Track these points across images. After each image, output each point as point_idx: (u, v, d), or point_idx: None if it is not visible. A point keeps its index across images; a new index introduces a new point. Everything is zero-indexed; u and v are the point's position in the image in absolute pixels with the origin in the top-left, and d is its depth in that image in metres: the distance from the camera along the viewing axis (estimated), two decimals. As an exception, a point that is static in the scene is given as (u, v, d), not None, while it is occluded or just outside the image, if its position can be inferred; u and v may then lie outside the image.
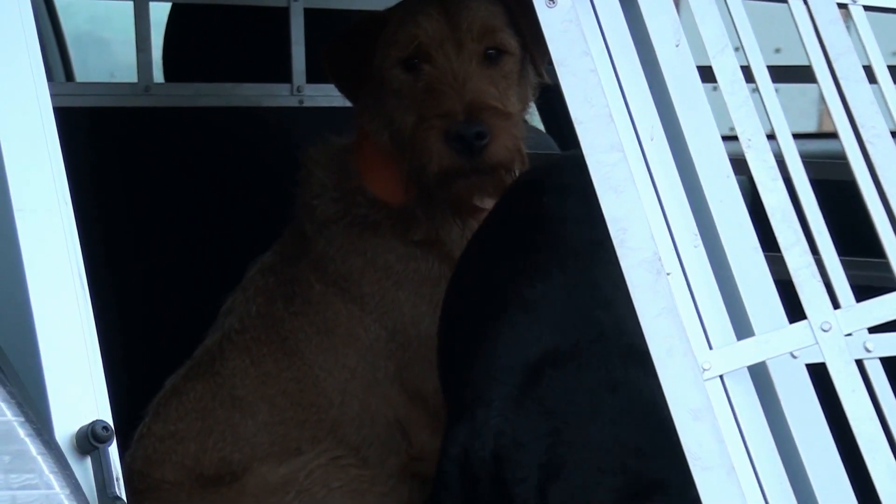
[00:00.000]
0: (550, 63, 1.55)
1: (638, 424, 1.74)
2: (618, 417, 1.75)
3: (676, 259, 1.48)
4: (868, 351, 1.47)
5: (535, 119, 3.17)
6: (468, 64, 2.34)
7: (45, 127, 1.42)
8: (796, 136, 1.54)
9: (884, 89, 1.60)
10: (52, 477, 1.26)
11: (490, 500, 1.78)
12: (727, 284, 1.48)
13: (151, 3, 2.90)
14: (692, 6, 1.56)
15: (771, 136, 1.53)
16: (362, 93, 2.48)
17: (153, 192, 2.91)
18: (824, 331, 1.45)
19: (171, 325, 2.82)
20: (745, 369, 1.45)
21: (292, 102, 3.04)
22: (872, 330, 1.48)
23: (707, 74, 1.55)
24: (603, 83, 1.52)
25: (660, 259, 1.46)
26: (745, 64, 1.56)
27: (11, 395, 1.28)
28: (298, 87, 3.03)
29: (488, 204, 2.40)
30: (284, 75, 3.03)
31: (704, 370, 1.43)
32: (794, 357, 1.46)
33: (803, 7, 1.60)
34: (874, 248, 1.53)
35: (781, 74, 2.42)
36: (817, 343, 1.45)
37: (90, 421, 1.31)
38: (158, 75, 3.00)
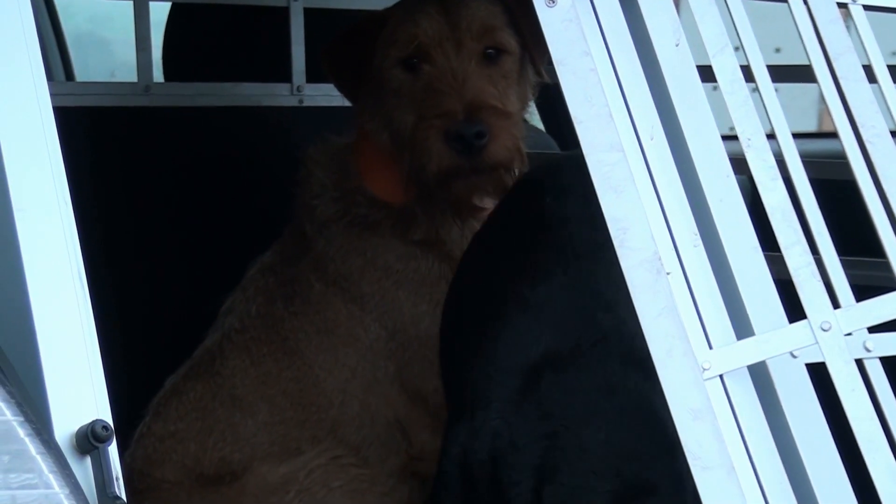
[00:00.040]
0: (550, 62, 1.55)
1: (634, 428, 1.74)
2: (614, 421, 1.75)
3: (676, 259, 1.48)
4: (868, 350, 1.47)
5: (535, 118, 3.17)
6: (468, 63, 2.34)
7: (45, 126, 1.42)
8: (796, 136, 1.54)
9: (884, 89, 1.60)
10: (51, 476, 1.26)
11: (488, 501, 1.79)
12: (727, 284, 1.48)
13: (151, 3, 2.90)
14: (692, 6, 1.56)
15: (771, 136, 1.53)
16: (362, 92, 2.47)
17: (153, 191, 2.91)
18: (824, 330, 1.45)
19: (171, 324, 2.82)
20: (745, 369, 1.45)
21: (292, 102, 3.04)
22: (872, 329, 1.48)
23: (707, 74, 1.55)
24: (603, 83, 1.52)
25: (660, 259, 1.46)
26: (745, 63, 1.56)
27: (11, 394, 1.28)
28: (298, 87, 3.03)
29: (488, 203, 2.40)
30: (284, 75, 3.03)
31: (704, 370, 1.43)
32: (794, 357, 1.46)
33: (803, 6, 1.60)
34: (874, 247, 1.53)
35: (781, 74, 2.42)
36: (817, 343, 1.45)
37: (90, 420, 1.31)
38: (158, 75, 3.00)
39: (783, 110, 1.55)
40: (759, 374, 1.46)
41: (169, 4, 3.09)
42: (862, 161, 1.54)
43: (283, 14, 3.01)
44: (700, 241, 1.48)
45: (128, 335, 2.68)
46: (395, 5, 2.45)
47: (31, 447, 1.27)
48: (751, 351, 1.45)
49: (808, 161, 1.55)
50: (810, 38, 1.59)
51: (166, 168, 2.92)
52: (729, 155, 1.52)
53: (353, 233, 2.46)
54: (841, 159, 1.57)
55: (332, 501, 2.41)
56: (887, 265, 1.51)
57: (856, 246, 1.92)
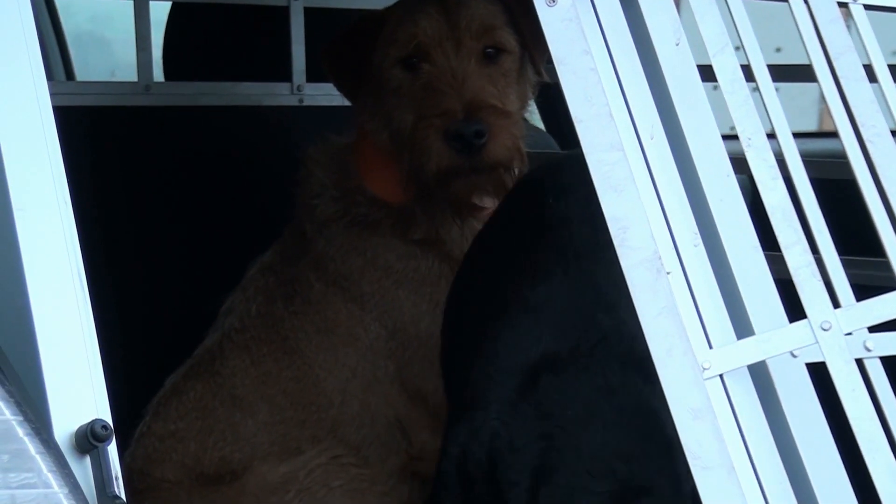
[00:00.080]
0: (550, 61, 1.55)
1: (632, 430, 1.74)
2: (612, 422, 1.75)
3: (676, 258, 1.48)
4: (868, 350, 1.47)
5: (535, 118, 3.17)
6: (467, 62, 2.34)
7: (45, 126, 1.42)
8: (796, 135, 1.54)
9: (884, 88, 1.60)
10: (50, 476, 1.26)
11: (487, 502, 1.78)
12: (727, 283, 1.48)
13: (152, 3, 2.90)
14: (692, 5, 1.56)
15: (771, 135, 1.53)
16: (362, 92, 2.47)
17: (153, 191, 2.91)
18: (824, 330, 1.45)
19: (171, 324, 2.82)
20: (745, 368, 1.45)
21: (292, 101, 3.04)
22: (872, 329, 1.48)
23: (707, 73, 1.55)
24: (603, 82, 1.51)
25: (660, 258, 1.46)
26: (746, 63, 1.56)
27: (10, 393, 1.28)
28: (298, 87, 3.03)
29: (488, 203, 2.40)
30: (284, 74, 3.03)
31: (704, 369, 1.43)
32: (794, 356, 1.46)
33: (803, 6, 1.60)
34: (874, 247, 1.53)
35: (782, 73, 2.42)
36: (817, 342, 1.45)
37: (89, 420, 1.31)
38: (159, 74, 3.00)
39: (783, 110, 1.55)
40: (759, 374, 1.46)
41: (169, 4, 3.09)
42: (862, 160, 1.54)
43: (283, 13, 3.01)
44: (700, 241, 1.48)
45: (128, 335, 2.68)
46: (395, 5, 2.45)
47: (31, 446, 1.27)
48: (751, 350, 1.45)
49: (809, 160, 1.55)
50: (811, 38, 1.59)
51: (166, 167, 2.92)
52: (729, 154, 1.52)
53: (353, 232, 2.46)
54: (841, 159, 1.57)
55: (332, 501, 2.41)
56: (887, 265, 1.51)
57: (856, 245, 1.92)
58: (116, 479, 1.30)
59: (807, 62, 1.59)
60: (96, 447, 1.30)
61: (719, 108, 1.54)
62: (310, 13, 3.01)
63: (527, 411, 1.78)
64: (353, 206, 2.46)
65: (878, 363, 1.47)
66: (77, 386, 1.33)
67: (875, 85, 1.59)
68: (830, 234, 1.50)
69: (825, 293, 1.47)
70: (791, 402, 1.45)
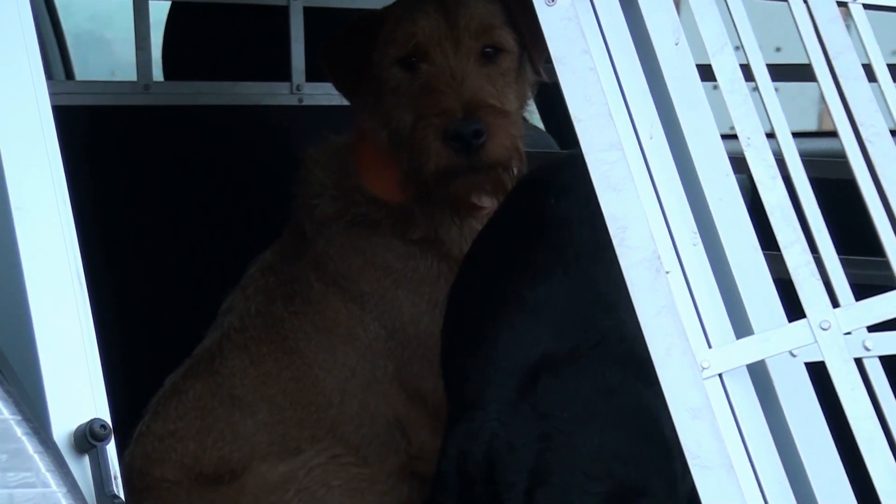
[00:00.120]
0: (549, 61, 1.55)
1: (630, 431, 1.74)
2: (610, 424, 1.75)
3: (675, 257, 1.48)
4: (867, 349, 1.47)
5: (535, 117, 3.17)
6: (466, 62, 2.34)
7: (44, 125, 1.42)
8: (796, 135, 1.54)
9: (883, 88, 1.60)
10: (48, 475, 1.26)
11: (485, 503, 1.78)
12: (726, 283, 1.48)
13: (151, 2, 2.90)
14: (692, 4, 1.56)
15: (770, 135, 1.53)
16: (361, 92, 2.47)
17: (152, 190, 2.91)
18: (823, 329, 1.45)
19: (171, 323, 2.82)
20: (745, 368, 1.45)
21: (292, 101, 3.04)
22: (872, 328, 1.48)
23: (707, 73, 1.55)
24: (602, 81, 1.51)
25: (659, 257, 1.46)
26: (745, 62, 1.56)
27: (9, 393, 1.28)
28: (298, 86, 3.03)
29: (486, 202, 2.40)
30: (284, 74, 3.03)
31: (703, 369, 1.43)
32: (794, 356, 1.46)
33: (803, 5, 1.60)
34: (873, 246, 1.53)
35: (781, 73, 2.42)
36: (816, 342, 1.45)
37: (88, 419, 1.31)
38: (158, 74, 3.00)
39: (783, 109, 1.55)
40: (759, 374, 1.46)
41: (169, 3, 3.09)
42: (861, 160, 1.54)
43: (282, 13, 3.01)
44: (699, 240, 1.48)
45: (127, 334, 2.68)
46: (394, 4, 2.45)
47: (29, 446, 1.26)
48: (750, 350, 1.45)
49: (808, 160, 1.55)
50: (810, 37, 1.59)
51: (166, 167, 2.92)
52: (728, 154, 1.52)
53: (353, 232, 2.46)
54: (841, 158, 1.57)
55: (332, 500, 2.41)
56: (887, 264, 1.51)
57: (855, 245, 1.92)
58: (115, 478, 1.30)
59: (806, 62, 1.59)
60: (95, 446, 1.30)
61: (719, 108, 1.54)
62: (309, 13, 3.01)
63: (525, 412, 1.78)
64: (352, 205, 2.46)
65: (878, 362, 1.47)
66: (76, 385, 1.33)
67: (875, 84, 1.59)
68: (830, 234, 1.50)
69: (824, 292, 1.47)
70: (790, 402, 1.45)
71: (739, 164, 1.51)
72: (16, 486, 1.25)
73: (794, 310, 1.47)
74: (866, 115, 1.55)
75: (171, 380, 2.51)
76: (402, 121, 2.37)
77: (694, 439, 1.40)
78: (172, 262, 2.91)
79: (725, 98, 1.53)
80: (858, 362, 1.46)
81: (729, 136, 1.54)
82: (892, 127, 1.58)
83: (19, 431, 1.27)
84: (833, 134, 1.57)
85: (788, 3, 1.60)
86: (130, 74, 2.98)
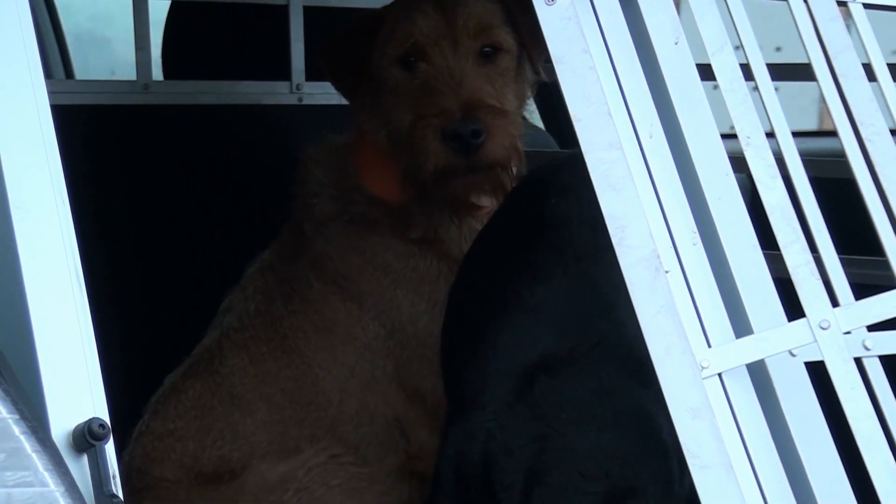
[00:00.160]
0: (548, 60, 1.55)
1: (627, 432, 1.74)
2: (607, 425, 1.75)
3: (675, 257, 1.48)
4: (867, 349, 1.47)
5: (534, 117, 3.17)
6: (464, 62, 2.34)
7: (43, 124, 1.42)
8: (796, 135, 1.54)
9: (883, 87, 1.60)
10: (46, 474, 1.26)
11: (481, 503, 1.78)
12: (726, 282, 1.48)
13: (151, 2, 2.90)
14: (691, 4, 1.56)
15: (770, 135, 1.53)
16: (360, 91, 2.47)
17: (151, 189, 2.91)
18: (823, 329, 1.45)
19: (170, 323, 2.82)
20: (744, 367, 1.45)
21: (291, 100, 3.04)
22: (871, 328, 1.48)
23: (706, 72, 1.54)
24: (602, 81, 1.51)
25: (658, 257, 1.46)
26: (745, 62, 1.56)
27: (7, 392, 1.28)
28: (297, 85, 3.03)
29: (486, 202, 2.40)
30: (284, 73, 3.03)
31: (703, 368, 1.43)
32: (793, 355, 1.46)
33: (803, 5, 1.59)
34: (873, 246, 1.53)
35: (781, 72, 2.42)
36: (816, 341, 1.45)
37: (87, 419, 1.31)
38: (158, 73, 3.00)
39: (783, 109, 1.55)
40: (758, 373, 1.45)
41: (168, 3, 3.09)
42: (861, 159, 1.54)
43: (282, 12, 3.01)
44: (699, 240, 1.48)
45: (126, 333, 2.68)
46: (393, 3, 2.45)
47: (27, 445, 1.26)
48: (749, 349, 1.45)
49: (808, 159, 1.55)
50: (810, 37, 1.58)
51: (165, 166, 2.92)
52: (728, 153, 1.52)
53: (352, 231, 2.46)
54: (840, 158, 1.57)
55: (331, 500, 2.41)
56: (886, 264, 1.51)
57: (855, 244, 1.92)
58: (114, 477, 1.30)
59: (806, 61, 1.59)
60: (94, 446, 1.30)
61: (718, 107, 1.54)
62: (309, 12, 3.00)
63: (522, 412, 1.78)
64: (351, 205, 2.46)
65: (877, 362, 1.47)
66: (74, 384, 1.33)
67: (874, 84, 1.59)
68: (829, 233, 1.49)
69: (824, 292, 1.47)
70: (790, 401, 1.45)
71: (739, 163, 1.51)
72: (14, 485, 1.25)
73: (793, 309, 1.47)
74: (866, 114, 1.55)
75: (171, 379, 2.51)
76: (400, 120, 2.37)
77: (693, 439, 1.40)
78: (172, 261, 2.91)
79: (725, 97, 1.53)
80: (858, 362, 1.46)
81: (729, 136, 1.54)
82: (892, 126, 1.57)
83: (17, 430, 1.27)
84: (833, 133, 1.57)
85: (788, 3, 1.60)
86: (130, 74, 2.98)
